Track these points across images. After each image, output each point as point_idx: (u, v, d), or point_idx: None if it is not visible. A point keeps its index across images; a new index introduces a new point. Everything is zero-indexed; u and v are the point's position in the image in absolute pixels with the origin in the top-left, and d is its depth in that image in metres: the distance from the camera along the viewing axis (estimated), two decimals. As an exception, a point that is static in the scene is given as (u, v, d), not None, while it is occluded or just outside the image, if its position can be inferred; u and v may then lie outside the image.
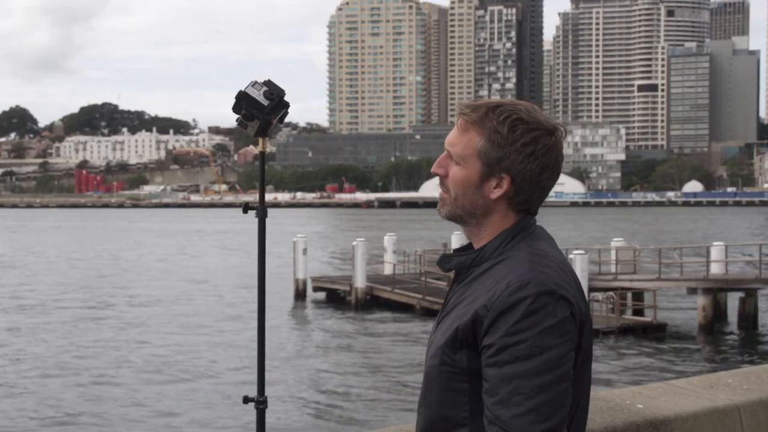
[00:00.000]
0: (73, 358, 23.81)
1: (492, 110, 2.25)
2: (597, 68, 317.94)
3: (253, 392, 2.47)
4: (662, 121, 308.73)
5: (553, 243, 2.31)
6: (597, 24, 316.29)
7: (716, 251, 31.28)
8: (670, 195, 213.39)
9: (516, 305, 2.10)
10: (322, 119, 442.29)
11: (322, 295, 35.41)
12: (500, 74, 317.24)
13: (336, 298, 34.67)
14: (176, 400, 19.10)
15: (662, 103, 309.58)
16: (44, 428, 17.00)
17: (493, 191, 2.25)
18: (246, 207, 2.53)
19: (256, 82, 2.43)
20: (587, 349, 2.24)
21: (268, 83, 2.43)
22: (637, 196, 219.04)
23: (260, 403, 2.48)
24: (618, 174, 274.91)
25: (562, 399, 2.10)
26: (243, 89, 2.40)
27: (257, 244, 2.49)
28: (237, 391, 18.84)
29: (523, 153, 2.22)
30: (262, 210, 2.48)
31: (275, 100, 2.41)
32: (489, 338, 2.13)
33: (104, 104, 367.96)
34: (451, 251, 2.39)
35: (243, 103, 2.41)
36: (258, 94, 2.41)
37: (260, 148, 2.47)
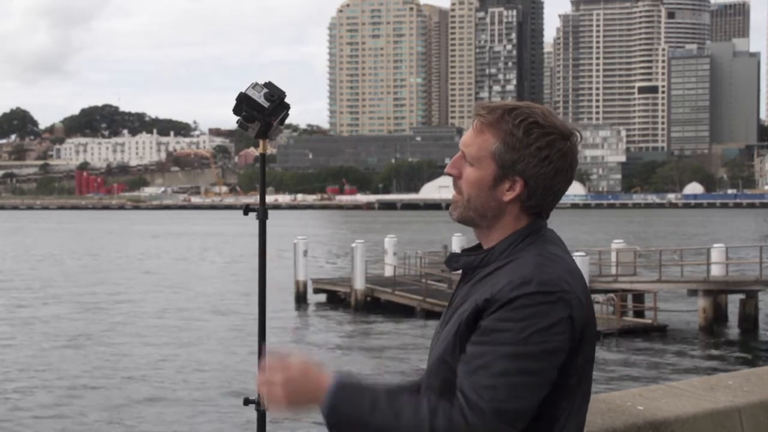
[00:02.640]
0: (70, 360, 23.80)
1: (508, 113, 2.25)
2: (597, 70, 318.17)
3: (253, 394, 2.45)
4: (663, 122, 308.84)
5: (564, 247, 2.31)
6: (597, 26, 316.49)
7: (717, 253, 31.27)
8: (671, 197, 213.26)
9: (514, 300, 2.11)
10: (322, 121, 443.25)
11: (322, 297, 35.40)
12: (501, 76, 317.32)
13: (336, 300, 34.67)
14: (176, 402, 19.09)
15: (663, 104, 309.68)
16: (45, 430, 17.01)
17: (506, 193, 2.26)
18: (247, 209, 2.53)
19: (256, 84, 2.42)
20: (588, 353, 2.24)
21: (269, 85, 2.42)
22: (638, 197, 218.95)
23: (261, 405, 2.45)
24: (618, 176, 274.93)
25: (527, 392, 2.09)
26: (244, 91, 2.40)
27: (258, 246, 2.47)
28: (238, 393, 18.83)
29: (538, 156, 2.22)
30: (262, 212, 2.48)
31: (276, 101, 2.40)
32: (482, 322, 2.15)
33: (105, 106, 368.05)
34: (459, 251, 2.39)
35: (244, 104, 2.40)
36: (259, 96, 2.40)
37: (261, 149, 2.47)
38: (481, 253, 2.28)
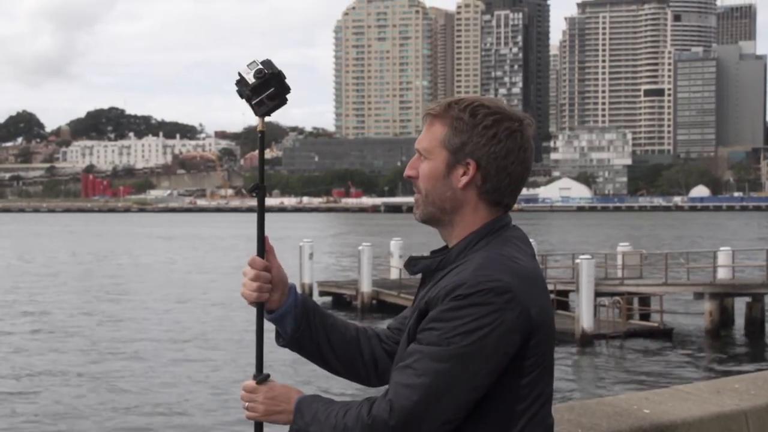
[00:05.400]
0: (73, 355, 23.84)
1: (455, 102, 2.28)
2: (603, 73, 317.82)
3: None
4: (669, 125, 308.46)
5: (523, 248, 2.27)
6: (603, 28, 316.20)
7: (723, 256, 31.22)
8: (677, 200, 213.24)
9: (445, 302, 2.13)
10: (328, 124, 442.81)
11: (328, 300, 35.41)
12: (507, 79, 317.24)
13: (342, 303, 34.69)
14: (177, 399, 19.11)
15: (669, 107, 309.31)
16: (47, 425, 17.05)
17: (461, 179, 2.25)
18: (253, 188, 2.58)
19: (253, 62, 2.40)
20: (541, 356, 2.20)
21: (265, 62, 2.39)
22: (644, 200, 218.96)
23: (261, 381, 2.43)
24: (624, 178, 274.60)
25: (444, 394, 2.11)
26: (270, 70, 2.39)
27: (257, 222, 2.50)
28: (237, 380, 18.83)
29: (486, 136, 2.23)
30: (262, 189, 2.52)
31: (264, 77, 2.37)
32: (421, 324, 2.19)
33: (111, 109, 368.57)
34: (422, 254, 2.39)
35: (274, 82, 2.39)
36: (249, 74, 2.38)
37: (261, 127, 2.45)
38: (438, 257, 2.29)
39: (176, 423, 17.67)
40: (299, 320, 2.43)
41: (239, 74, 2.39)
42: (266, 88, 2.37)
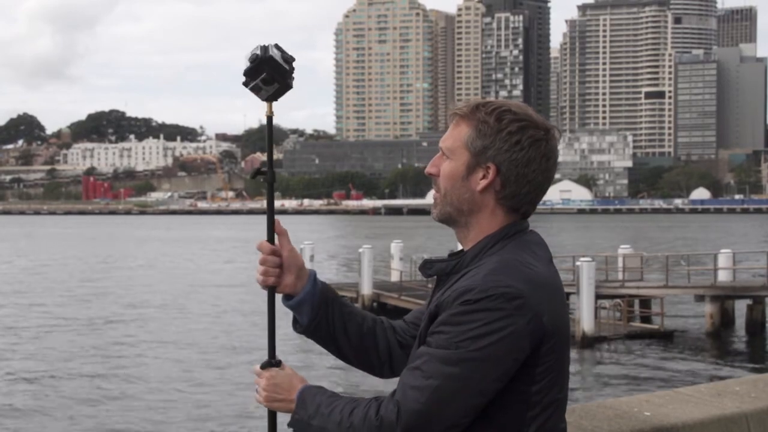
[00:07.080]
0: (77, 373, 23.85)
1: (483, 104, 2.29)
2: (604, 75, 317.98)
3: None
4: (669, 128, 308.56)
5: (542, 253, 2.28)
6: (604, 31, 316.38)
7: (724, 258, 31.21)
8: (678, 202, 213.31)
9: (455, 306, 2.14)
10: (328, 126, 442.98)
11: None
12: (507, 81, 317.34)
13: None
14: (184, 397, 19.10)
15: (669, 110, 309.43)
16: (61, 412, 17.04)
17: (480, 182, 2.25)
18: (256, 172, 2.55)
19: (269, 46, 2.37)
20: (553, 362, 2.20)
21: (279, 47, 2.38)
22: (644, 203, 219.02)
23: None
24: (625, 181, 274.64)
25: (452, 398, 2.11)
26: (265, 53, 2.34)
27: (267, 209, 2.51)
28: (248, 390, 18.85)
29: (509, 141, 2.23)
30: (271, 175, 2.50)
31: (255, 61, 2.35)
32: (431, 327, 2.20)
33: (111, 111, 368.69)
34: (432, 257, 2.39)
35: (265, 66, 2.34)
36: (279, 57, 2.35)
37: (267, 112, 2.42)
38: (453, 260, 2.29)
39: (190, 404, 17.67)
40: (316, 309, 2.45)
41: (270, 57, 2.35)
42: (259, 72, 2.34)
